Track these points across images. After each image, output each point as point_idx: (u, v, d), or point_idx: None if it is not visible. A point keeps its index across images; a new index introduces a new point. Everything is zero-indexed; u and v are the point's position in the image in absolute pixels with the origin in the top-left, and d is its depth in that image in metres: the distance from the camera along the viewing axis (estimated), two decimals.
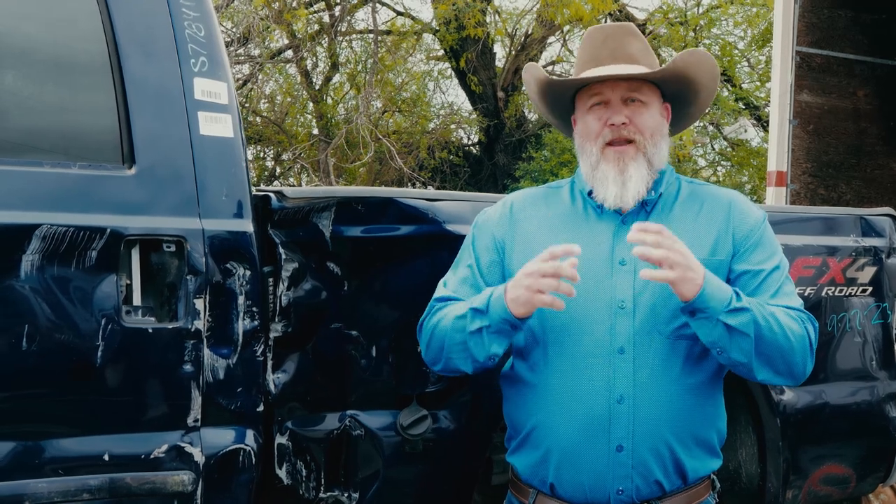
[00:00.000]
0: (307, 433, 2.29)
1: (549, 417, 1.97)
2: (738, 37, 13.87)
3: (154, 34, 2.18)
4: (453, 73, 13.49)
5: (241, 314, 2.17)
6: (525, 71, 2.20)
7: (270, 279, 2.25)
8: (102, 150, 2.11)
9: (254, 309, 2.19)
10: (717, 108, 12.79)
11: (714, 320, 1.83)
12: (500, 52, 13.68)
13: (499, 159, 13.22)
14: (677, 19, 12.99)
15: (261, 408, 2.22)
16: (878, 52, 5.89)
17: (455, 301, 2.01)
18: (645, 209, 2.03)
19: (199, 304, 2.12)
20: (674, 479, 1.98)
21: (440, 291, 2.08)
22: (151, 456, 2.08)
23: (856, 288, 2.95)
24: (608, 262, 1.98)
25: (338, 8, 12.00)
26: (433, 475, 2.41)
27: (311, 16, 12.13)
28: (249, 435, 2.19)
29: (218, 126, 2.22)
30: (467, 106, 13.91)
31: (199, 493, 2.12)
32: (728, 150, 14.57)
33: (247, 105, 11.93)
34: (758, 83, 13.81)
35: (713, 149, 14.93)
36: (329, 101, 13.27)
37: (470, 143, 14.53)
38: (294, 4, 11.28)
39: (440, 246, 2.33)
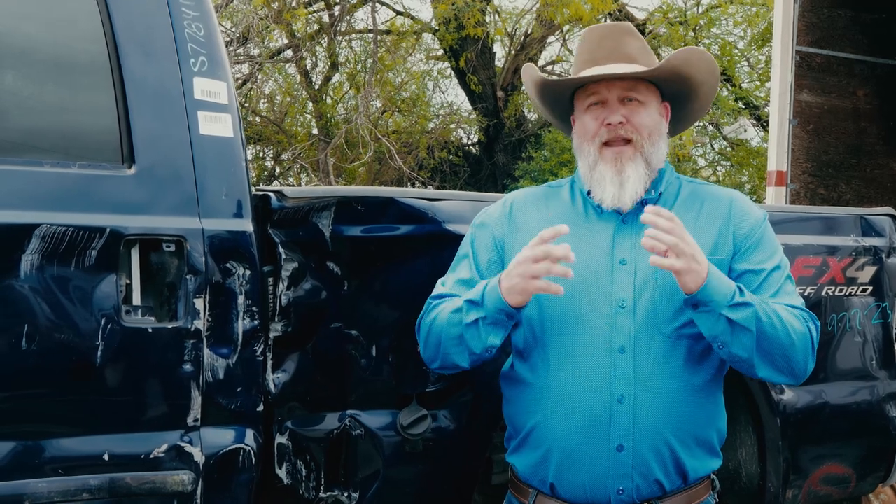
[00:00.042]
0: (307, 433, 2.29)
1: (550, 417, 1.97)
2: (738, 36, 13.88)
3: (154, 34, 2.18)
4: (453, 73, 13.49)
5: (241, 314, 2.17)
6: (523, 72, 2.20)
7: (270, 279, 2.25)
8: (102, 149, 2.10)
9: (254, 309, 2.19)
10: (717, 108, 12.80)
11: (716, 314, 1.83)
12: (500, 51, 13.69)
13: (498, 159, 13.22)
14: (677, 19, 12.99)
15: (261, 407, 2.22)
16: (878, 51, 5.89)
17: (451, 297, 2.01)
18: (644, 209, 2.03)
19: (199, 303, 2.11)
20: (674, 478, 1.98)
21: (438, 290, 2.08)
22: (151, 456, 2.08)
23: (856, 287, 2.95)
24: (608, 262, 1.98)
25: (337, 7, 12.00)
26: (433, 475, 2.41)
27: (310, 15, 12.13)
28: (249, 435, 2.19)
29: (218, 126, 2.22)
30: (467, 105, 13.92)
31: (198, 492, 2.11)
32: (728, 149, 14.57)
33: (246, 105, 11.93)
34: (757, 83, 13.81)
35: (713, 148, 14.93)
36: (328, 100, 13.28)
37: (469, 142, 14.53)
38: (293, 4, 11.28)
39: (440, 245, 2.33)
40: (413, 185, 11.75)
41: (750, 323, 1.84)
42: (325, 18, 12.46)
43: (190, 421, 2.12)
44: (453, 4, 10.63)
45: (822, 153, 5.73)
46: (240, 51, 11.01)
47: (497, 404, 2.16)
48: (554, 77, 2.32)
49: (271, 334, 2.25)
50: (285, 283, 2.25)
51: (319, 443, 2.30)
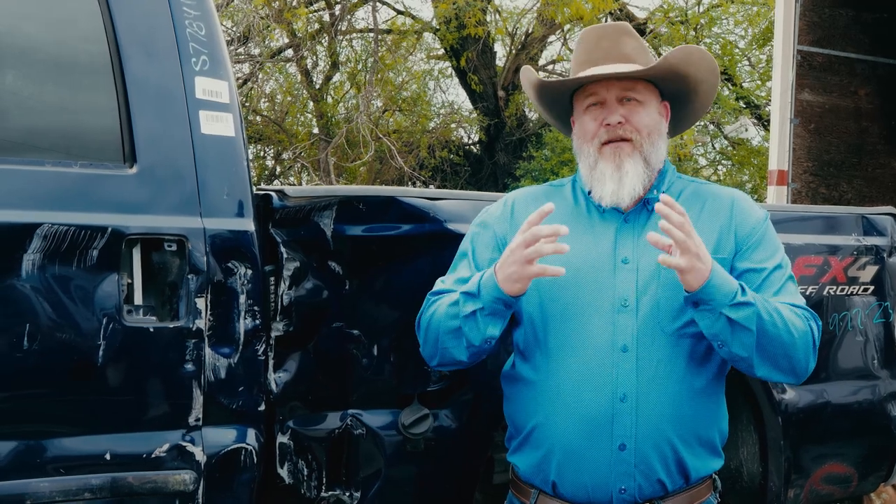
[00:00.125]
0: (309, 432, 2.29)
1: (551, 416, 1.97)
2: (739, 36, 13.87)
3: (155, 33, 2.18)
4: (454, 72, 13.48)
5: (243, 313, 2.17)
6: (521, 74, 2.20)
7: (272, 278, 2.25)
8: (104, 149, 2.11)
9: (255, 308, 2.19)
10: (718, 107, 12.79)
11: (717, 313, 1.83)
12: (501, 51, 13.68)
13: (499, 158, 13.21)
14: (678, 18, 12.98)
15: (262, 407, 2.22)
16: (879, 50, 5.89)
17: (449, 293, 2.01)
18: (647, 208, 2.03)
19: (201, 303, 2.11)
20: (676, 478, 1.98)
21: (437, 287, 2.08)
22: (153, 455, 2.08)
23: (857, 287, 2.95)
24: (610, 261, 1.98)
25: (338, 7, 12.00)
26: (434, 474, 2.41)
27: (311, 15, 12.13)
28: (251, 434, 2.19)
29: (219, 125, 2.22)
30: (468, 105, 13.92)
31: (200, 492, 2.11)
32: (729, 149, 14.57)
33: (247, 104, 11.93)
34: (758, 82, 13.80)
35: (714, 148, 14.93)
36: (329, 100, 13.27)
37: (470, 142, 14.53)
38: (294, 3, 11.28)
39: (441, 245, 2.33)
40: (414, 184, 11.75)
41: (750, 322, 1.84)
42: (326, 18, 12.46)
43: (191, 420, 2.12)
44: (454, 4, 10.62)
45: (824, 152, 5.72)
46: (240, 50, 11.01)
47: (498, 403, 2.16)
48: (553, 78, 2.31)
49: (273, 334, 2.25)
50: (287, 283, 2.25)
51: (321, 442, 2.30)
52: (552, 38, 13.71)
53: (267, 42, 11.77)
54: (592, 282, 1.96)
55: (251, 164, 2.37)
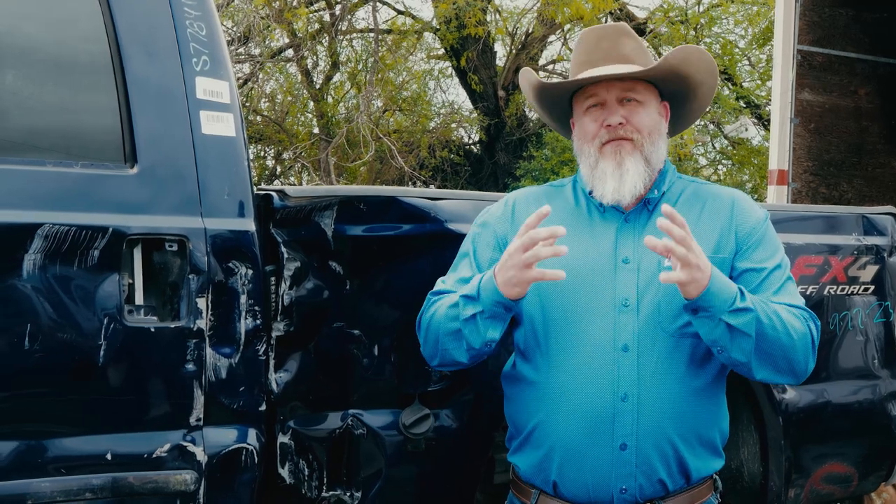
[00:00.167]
0: (309, 432, 2.29)
1: (552, 416, 1.97)
2: (739, 35, 13.86)
3: (156, 33, 2.18)
4: (454, 72, 13.48)
5: (244, 313, 2.17)
6: (520, 77, 2.20)
7: (272, 278, 2.25)
8: (104, 149, 2.11)
9: (256, 308, 2.19)
10: (718, 107, 12.78)
11: (716, 319, 1.83)
12: (501, 50, 13.68)
13: (500, 158, 13.21)
14: (678, 18, 12.98)
15: (263, 407, 2.22)
16: (879, 50, 5.89)
17: (449, 293, 2.01)
18: (647, 208, 2.03)
19: (202, 303, 2.12)
20: (677, 478, 1.98)
21: (438, 287, 2.08)
22: (154, 455, 2.08)
23: (858, 286, 2.95)
24: (611, 261, 1.98)
25: (338, 7, 12.00)
26: (435, 474, 2.41)
27: (311, 15, 12.13)
28: (252, 434, 2.19)
29: (220, 125, 2.22)
30: (468, 105, 13.91)
31: (201, 492, 2.12)
32: (729, 148, 14.56)
33: (247, 104, 11.93)
34: (759, 82, 13.80)
35: (714, 147, 14.92)
36: (330, 100, 13.27)
37: (471, 141, 14.52)
38: (294, 3, 11.28)
39: (442, 245, 2.33)
40: (414, 184, 11.75)
41: (750, 328, 1.84)
42: (326, 18, 12.46)
43: (192, 420, 2.12)
44: (454, 4, 10.62)
45: (824, 152, 5.72)
46: (241, 50, 11.01)
47: (499, 404, 2.16)
48: (553, 80, 2.31)
49: (274, 334, 2.25)
50: (287, 283, 2.25)
51: (322, 442, 2.30)
52: (552, 37, 13.71)
53: (267, 42, 11.78)
54: (593, 282, 1.96)
55: (252, 164, 2.37)
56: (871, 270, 2.97)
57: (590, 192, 2.05)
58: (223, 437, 2.15)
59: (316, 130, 13.21)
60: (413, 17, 13.11)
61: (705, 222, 2.02)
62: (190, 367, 2.10)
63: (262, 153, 13.87)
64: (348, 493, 2.32)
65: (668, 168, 2.09)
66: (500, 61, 13.44)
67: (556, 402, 1.97)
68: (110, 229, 2.03)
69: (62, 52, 2.14)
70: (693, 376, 1.97)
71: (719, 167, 15.03)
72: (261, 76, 12.03)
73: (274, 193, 2.28)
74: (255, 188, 2.26)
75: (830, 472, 2.95)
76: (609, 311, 1.95)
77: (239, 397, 2.17)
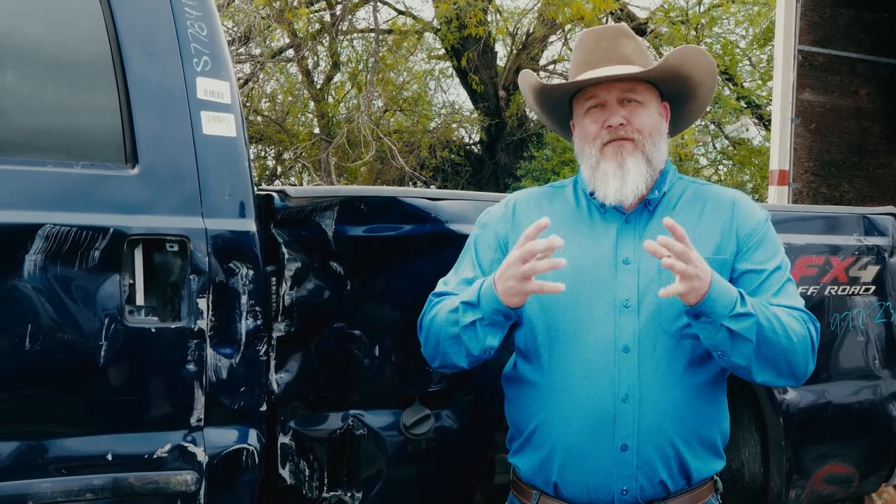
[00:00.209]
0: (310, 433, 2.29)
1: (553, 417, 1.97)
2: (740, 35, 13.86)
3: (157, 34, 2.18)
4: (454, 72, 13.48)
5: (244, 314, 2.17)
6: (520, 78, 2.20)
7: (273, 279, 2.25)
8: (105, 149, 2.11)
9: (257, 308, 2.19)
10: (719, 107, 12.78)
11: (717, 325, 1.83)
12: (502, 51, 13.68)
13: (500, 158, 13.21)
14: (678, 18, 12.98)
15: (264, 407, 2.22)
16: (880, 50, 5.89)
17: (450, 296, 2.01)
18: (648, 208, 2.03)
19: (202, 303, 2.12)
20: (678, 479, 1.98)
21: (439, 288, 2.08)
22: (155, 456, 2.08)
23: (858, 287, 2.95)
24: (612, 262, 1.98)
25: (339, 7, 12.00)
26: (436, 475, 2.41)
27: (312, 15, 12.13)
28: (252, 434, 2.19)
29: (220, 125, 2.22)
30: (468, 105, 13.91)
31: (202, 492, 2.12)
32: (730, 148, 14.56)
33: (248, 104, 11.93)
34: (759, 82, 13.80)
35: (715, 148, 14.92)
36: (330, 100, 13.27)
37: (471, 142, 14.52)
38: (295, 3, 11.27)
39: (443, 245, 2.33)
40: (415, 184, 11.75)
41: (750, 333, 1.84)
42: (327, 18, 12.46)
43: (193, 421, 2.12)
44: (455, 4, 10.62)
45: (825, 152, 5.72)
46: (241, 50, 11.01)
47: (500, 404, 2.16)
48: (554, 80, 2.31)
49: (274, 334, 2.25)
50: (288, 283, 2.25)
51: (322, 443, 2.30)
52: (553, 38, 13.71)
53: (268, 42, 11.78)
54: (594, 282, 1.96)
55: (252, 165, 2.37)
56: (872, 271, 2.97)
57: (591, 193, 2.05)
58: (224, 437, 2.15)
59: (316, 130, 13.21)
60: (414, 18, 13.11)
61: (706, 223, 2.02)
62: (191, 367, 2.10)
63: (263, 153, 13.87)
64: (349, 494, 2.32)
65: (668, 168, 2.09)
66: (501, 61, 13.44)
67: (556, 403, 1.96)
68: (111, 230, 2.03)
69: (63, 52, 2.15)
70: (694, 377, 1.97)
71: (720, 167, 15.03)
72: (261, 76, 12.03)
73: (275, 194, 2.28)
74: (255, 188, 2.26)
75: (831, 472, 2.95)
76: (610, 312, 1.95)
77: (240, 398, 2.17)
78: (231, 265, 2.16)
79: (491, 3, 12.23)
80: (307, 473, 2.30)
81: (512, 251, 1.85)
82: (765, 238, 2.03)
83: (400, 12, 13.15)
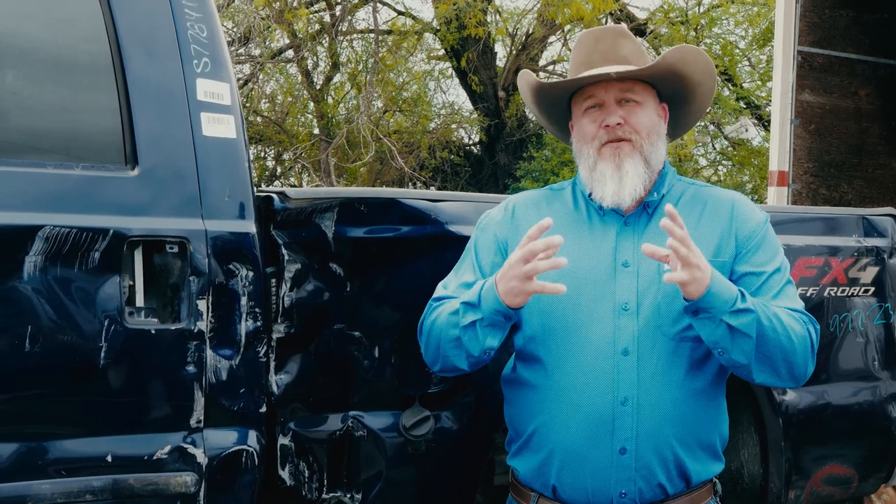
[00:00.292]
0: (310, 434, 2.29)
1: (552, 419, 1.97)
2: (739, 36, 13.86)
3: (156, 35, 2.19)
4: (454, 73, 13.48)
5: (244, 315, 2.17)
6: (519, 78, 2.20)
7: (273, 280, 2.25)
8: (105, 151, 2.11)
9: (256, 310, 2.19)
10: (718, 108, 12.78)
11: (717, 321, 1.83)
12: (501, 51, 13.68)
13: (500, 159, 13.21)
14: (678, 19, 12.98)
15: (263, 409, 2.22)
16: (879, 51, 5.89)
17: (451, 299, 2.01)
18: (647, 210, 2.03)
19: (202, 305, 2.12)
20: (677, 482, 1.98)
21: (439, 292, 2.08)
22: (154, 457, 2.08)
23: (858, 288, 2.95)
24: (611, 264, 1.98)
25: (338, 7, 12.00)
26: (435, 476, 2.41)
27: (311, 15, 12.12)
28: (252, 436, 2.19)
29: (220, 127, 2.22)
30: (468, 105, 13.91)
31: (201, 494, 2.12)
32: (729, 149, 14.56)
33: (248, 105, 11.93)
34: (759, 82, 13.80)
35: (714, 148, 14.92)
36: (330, 100, 13.27)
37: (471, 142, 14.52)
38: (295, 4, 11.27)
39: (443, 247, 2.33)
40: (415, 185, 11.75)
41: (750, 329, 1.84)
42: (327, 18, 12.46)
43: (193, 422, 2.12)
44: (454, 4, 10.62)
45: (824, 153, 5.72)
46: (241, 51, 11.01)
47: (499, 405, 2.16)
48: (553, 79, 2.31)
49: (274, 335, 2.25)
50: (288, 285, 2.25)
51: (322, 444, 2.30)
52: (552, 38, 13.71)
53: (267, 43, 11.77)
54: (593, 285, 1.96)
55: (252, 166, 2.37)
56: (872, 272, 2.97)
57: (589, 195, 2.05)
58: (223, 438, 2.15)
59: (316, 131, 13.21)
60: (413, 18, 13.11)
61: (705, 225, 2.02)
62: (190, 368, 2.10)
63: (263, 154, 13.86)
64: (349, 495, 2.32)
65: (667, 170, 2.09)
66: (501, 62, 13.44)
67: (556, 405, 1.96)
68: (111, 231, 2.03)
69: (63, 53, 2.15)
70: (693, 380, 1.96)
71: (719, 168, 15.03)
72: (261, 77, 12.02)
73: (275, 195, 2.28)
74: (255, 190, 2.26)
75: (830, 473, 2.95)
76: (609, 315, 1.95)
77: (239, 399, 2.17)
78: (231, 267, 2.16)
79: (490, 3, 12.23)
80: (307, 475, 2.30)
81: (514, 252, 1.85)
82: (764, 240, 2.03)
83: (399, 13, 13.15)
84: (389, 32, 12.88)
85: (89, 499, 2.02)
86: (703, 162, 14.98)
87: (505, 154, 13.20)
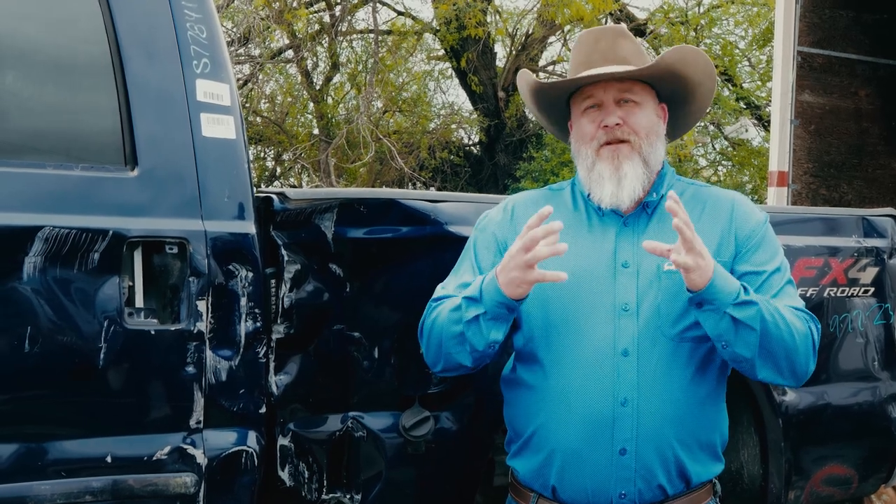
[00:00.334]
0: (309, 435, 2.29)
1: (552, 420, 1.97)
2: (739, 36, 13.87)
3: (156, 36, 2.18)
4: (454, 73, 13.48)
5: (244, 316, 2.17)
6: (518, 79, 2.20)
7: (273, 281, 2.25)
8: (105, 151, 2.11)
9: (256, 311, 2.19)
10: (718, 108, 12.78)
11: (721, 312, 1.83)
12: (501, 51, 13.68)
13: (499, 159, 13.21)
14: (678, 19, 12.98)
15: (263, 409, 2.22)
16: (879, 52, 5.89)
17: (451, 298, 2.01)
18: (646, 211, 2.03)
19: (202, 305, 2.12)
20: (677, 483, 1.98)
21: (438, 293, 2.08)
22: (154, 458, 2.08)
23: (858, 289, 2.95)
24: (611, 265, 1.98)
25: (338, 8, 12.00)
26: (435, 476, 2.41)
27: (311, 16, 12.12)
28: (252, 437, 2.19)
29: (220, 128, 2.22)
30: (468, 106, 13.91)
31: (201, 495, 2.12)
32: (729, 149, 14.56)
33: (247, 105, 11.93)
34: (759, 83, 13.80)
35: (714, 148, 14.92)
36: (329, 101, 13.27)
37: (470, 142, 14.52)
38: (294, 4, 11.27)
39: (442, 247, 2.33)
40: (414, 185, 11.75)
41: (754, 322, 1.84)
42: (326, 19, 12.46)
43: (192, 423, 2.12)
44: (454, 5, 10.62)
45: (824, 154, 5.72)
46: (241, 51, 11.01)
47: (499, 406, 2.16)
48: (552, 79, 2.32)
49: (274, 336, 2.25)
50: (288, 285, 2.25)
51: (322, 445, 2.30)
52: (552, 38, 13.71)
53: (267, 43, 11.77)
54: (593, 286, 1.96)
55: (252, 166, 2.37)
56: (871, 272, 2.97)
57: (588, 195, 2.05)
58: (223, 439, 2.15)
59: (316, 131, 13.21)
60: (413, 18, 13.11)
61: (705, 225, 2.02)
62: (190, 369, 2.10)
63: (262, 154, 13.87)
64: (348, 496, 2.32)
65: (666, 170, 2.09)
66: (500, 62, 13.44)
67: (555, 406, 1.96)
68: (110, 232, 2.03)
69: (62, 53, 2.15)
70: (693, 380, 1.96)
71: (719, 168, 15.03)
72: (261, 77, 12.02)
73: (274, 196, 2.28)
74: (255, 190, 2.26)
75: (830, 474, 2.95)
76: (609, 316, 1.94)
77: (239, 400, 2.17)
78: (230, 267, 2.16)
79: (490, 3, 12.23)
80: (306, 475, 2.30)
81: (515, 242, 1.85)
82: (764, 239, 2.03)
83: (399, 13, 13.16)
84: (389, 33, 12.89)
85: (89, 500, 2.01)
86: (702, 162, 14.98)
87: (505, 154, 13.20)
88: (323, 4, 12.32)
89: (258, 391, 2.20)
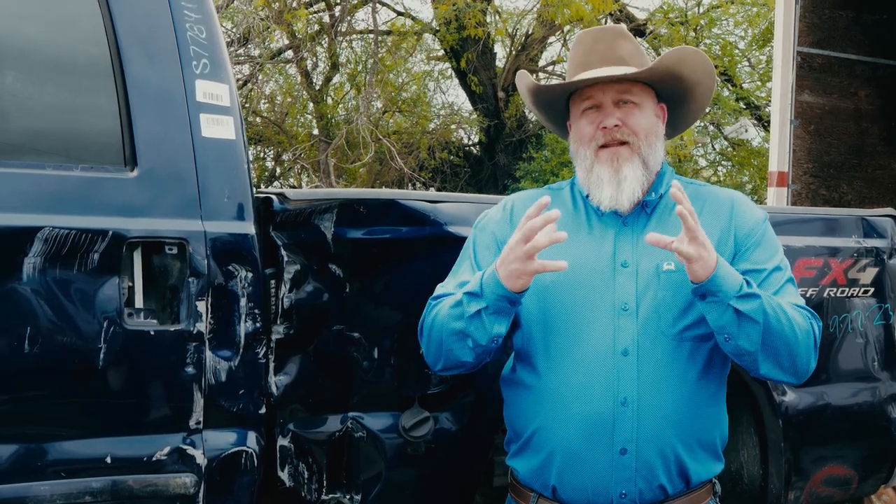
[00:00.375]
0: (309, 435, 2.29)
1: (552, 420, 1.97)
2: (739, 36, 13.87)
3: (156, 36, 2.18)
4: (453, 74, 13.48)
5: (243, 316, 2.17)
6: (517, 80, 2.20)
7: (272, 281, 2.25)
8: (104, 152, 2.11)
9: (256, 311, 2.19)
10: (718, 108, 12.79)
11: (724, 304, 1.83)
12: (501, 52, 13.69)
13: (499, 159, 13.22)
14: (678, 19, 12.99)
15: (263, 410, 2.22)
16: (879, 52, 5.89)
17: (450, 296, 2.01)
18: (645, 211, 2.03)
19: (201, 306, 2.11)
20: (677, 482, 1.98)
21: (438, 292, 2.07)
22: (154, 458, 2.08)
23: (857, 289, 2.95)
24: (610, 265, 1.98)
25: (338, 8, 12.00)
26: (435, 477, 2.41)
27: (311, 16, 12.13)
28: (251, 437, 2.19)
29: (220, 128, 2.22)
30: (468, 106, 13.91)
31: (201, 495, 2.12)
32: (729, 150, 14.56)
33: (247, 105, 11.93)
34: (758, 83, 13.80)
35: (714, 149, 14.92)
36: (329, 101, 13.27)
37: (470, 143, 14.53)
38: (294, 5, 11.28)
39: (442, 248, 2.33)
40: (414, 185, 11.75)
41: (757, 314, 1.84)
42: (326, 19, 12.46)
43: (192, 423, 2.12)
44: (454, 5, 10.62)
45: (824, 154, 5.72)
46: (240, 51, 11.01)
47: (499, 406, 2.16)
48: (552, 80, 2.32)
49: (273, 337, 2.25)
50: (287, 286, 2.25)
51: (321, 445, 2.30)
52: (552, 39, 13.72)
53: (267, 43, 11.77)
54: (592, 285, 1.96)
55: (251, 166, 2.37)
56: (871, 273, 2.97)
57: (587, 196, 2.05)
58: (223, 440, 2.15)
59: (315, 132, 13.21)
60: (413, 19, 13.12)
61: (705, 224, 2.01)
62: (190, 370, 2.10)
63: (262, 154, 13.87)
64: (348, 496, 2.32)
65: (665, 170, 2.09)
66: (500, 62, 13.45)
67: (555, 406, 1.96)
68: (110, 232, 2.03)
69: (62, 54, 2.15)
70: (693, 380, 1.96)
71: (719, 168, 15.04)
72: (260, 77, 12.03)
73: (274, 196, 2.28)
74: (255, 191, 2.26)
75: (830, 474, 2.95)
76: (608, 316, 1.94)
77: (239, 400, 2.17)
78: (230, 268, 2.16)
79: (490, 4, 12.23)
80: (306, 476, 2.30)
81: (513, 235, 1.85)
82: (763, 237, 2.03)
83: (399, 13, 13.16)
84: (389, 33, 12.89)
85: (88, 500, 2.01)
86: (702, 162, 14.99)
87: (504, 155, 13.20)
88: (322, 5, 12.32)
89: (258, 392, 2.20)
